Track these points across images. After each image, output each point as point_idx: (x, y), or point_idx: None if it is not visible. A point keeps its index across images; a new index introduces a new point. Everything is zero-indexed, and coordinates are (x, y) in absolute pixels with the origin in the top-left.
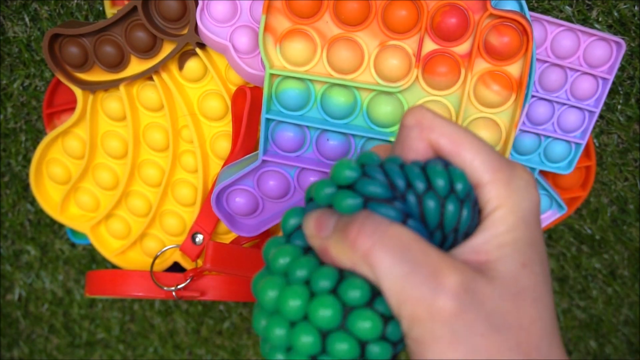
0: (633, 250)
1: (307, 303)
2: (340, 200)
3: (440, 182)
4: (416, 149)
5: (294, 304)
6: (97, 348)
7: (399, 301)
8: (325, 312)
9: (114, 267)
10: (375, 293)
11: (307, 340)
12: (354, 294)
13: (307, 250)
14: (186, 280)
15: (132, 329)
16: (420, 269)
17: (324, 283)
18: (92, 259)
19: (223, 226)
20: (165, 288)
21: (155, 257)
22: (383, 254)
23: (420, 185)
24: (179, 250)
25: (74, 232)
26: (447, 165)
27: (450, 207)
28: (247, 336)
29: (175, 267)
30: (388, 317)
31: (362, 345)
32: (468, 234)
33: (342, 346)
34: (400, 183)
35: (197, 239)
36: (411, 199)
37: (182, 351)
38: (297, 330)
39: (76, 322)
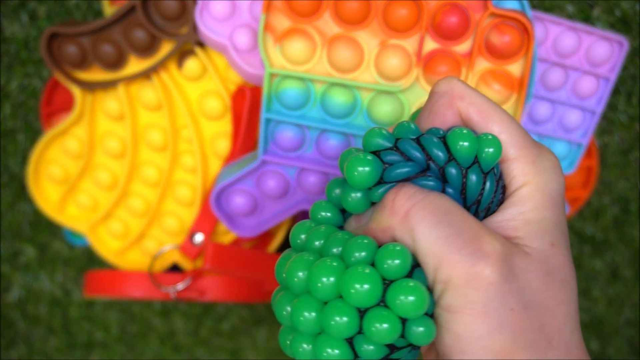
0: (635, 251)
1: (341, 279)
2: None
3: (487, 151)
4: (443, 116)
5: (327, 280)
6: (96, 349)
7: (437, 265)
8: (363, 286)
9: (113, 267)
10: (413, 265)
11: (342, 320)
12: (394, 263)
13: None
14: (185, 280)
15: (131, 329)
16: (461, 233)
17: (359, 254)
18: (91, 259)
19: (222, 226)
20: (164, 288)
21: (155, 258)
22: (423, 214)
23: (463, 157)
24: (179, 251)
25: (72, 234)
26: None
27: (488, 184)
28: (246, 337)
29: (175, 268)
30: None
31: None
32: (492, 209)
33: (383, 325)
34: (440, 155)
35: (196, 239)
36: (452, 171)
37: (181, 352)
38: (330, 310)
39: (75, 322)
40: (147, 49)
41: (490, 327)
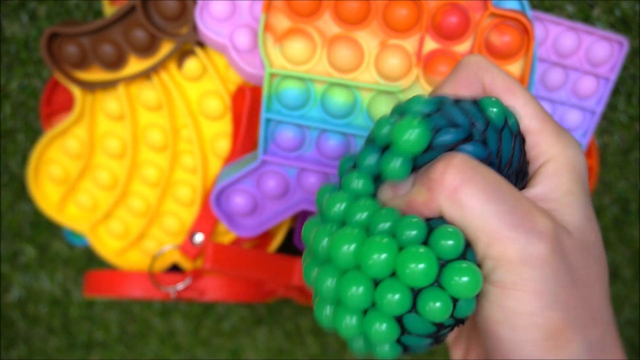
0: (635, 251)
1: (394, 257)
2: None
3: (512, 119)
4: (469, 85)
5: (379, 258)
6: (96, 349)
7: (489, 241)
8: (419, 266)
9: (113, 267)
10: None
11: (394, 298)
12: (448, 244)
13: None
14: (185, 280)
15: (131, 329)
16: (515, 210)
17: (412, 233)
18: (91, 259)
19: (222, 226)
20: (164, 288)
21: (155, 258)
22: (475, 190)
23: (497, 122)
24: (179, 251)
25: (72, 234)
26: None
27: (517, 147)
28: (246, 337)
29: (175, 268)
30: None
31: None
32: (521, 179)
33: (436, 305)
34: (480, 122)
35: (196, 239)
36: (492, 134)
37: (181, 352)
38: (384, 288)
39: (75, 322)
40: (147, 49)
41: (543, 304)
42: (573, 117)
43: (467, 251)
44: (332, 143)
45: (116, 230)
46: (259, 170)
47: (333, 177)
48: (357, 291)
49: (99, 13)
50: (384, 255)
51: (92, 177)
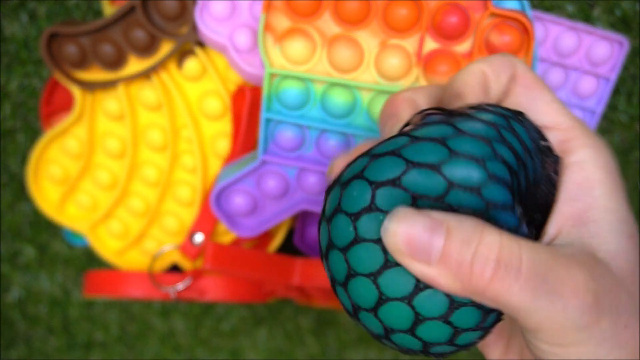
0: None
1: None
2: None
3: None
4: (497, 72)
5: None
6: (95, 349)
7: (533, 325)
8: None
9: (113, 267)
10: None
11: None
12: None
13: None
14: (185, 280)
15: (131, 329)
16: (556, 293)
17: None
18: (91, 259)
19: (222, 226)
20: (164, 288)
21: (154, 258)
22: (521, 294)
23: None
24: (178, 251)
25: (71, 234)
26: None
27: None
28: (246, 337)
29: (175, 268)
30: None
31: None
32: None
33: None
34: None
35: (196, 239)
36: (530, 163)
37: (181, 352)
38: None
39: (75, 322)
40: (147, 49)
41: (609, 348)
42: None
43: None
44: (332, 143)
45: (116, 230)
46: (259, 170)
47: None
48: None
49: (98, 13)
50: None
51: (92, 177)
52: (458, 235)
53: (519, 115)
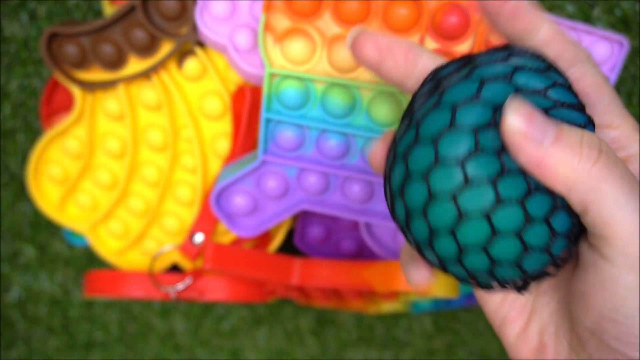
0: None
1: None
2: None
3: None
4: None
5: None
6: (95, 349)
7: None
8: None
9: (113, 267)
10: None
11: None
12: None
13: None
14: (185, 280)
15: (131, 329)
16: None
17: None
18: (91, 259)
19: (222, 226)
20: (164, 288)
21: (155, 258)
22: (615, 182)
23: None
24: (179, 251)
25: (72, 234)
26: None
27: None
28: (246, 337)
29: (175, 268)
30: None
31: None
32: None
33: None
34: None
35: (196, 239)
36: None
37: (181, 352)
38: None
39: (75, 322)
40: (147, 49)
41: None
42: None
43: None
44: (332, 143)
45: (116, 230)
46: (259, 170)
47: (334, 177)
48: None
49: (99, 13)
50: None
51: (92, 177)
52: (566, 125)
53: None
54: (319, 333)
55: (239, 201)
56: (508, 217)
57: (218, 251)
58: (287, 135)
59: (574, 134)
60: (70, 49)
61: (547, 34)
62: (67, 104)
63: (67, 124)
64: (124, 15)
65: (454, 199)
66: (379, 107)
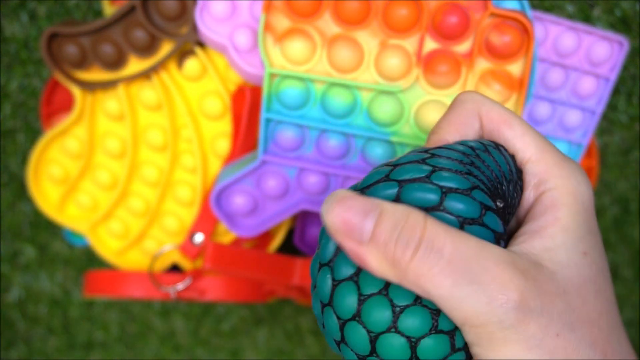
0: (635, 251)
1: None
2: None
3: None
4: (467, 123)
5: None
6: (95, 349)
7: (459, 319)
8: (377, 315)
9: (113, 267)
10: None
11: (357, 339)
12: (403, 300)
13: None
14: (185, 280)
15: (131, 329)
16: (480, 285)
17: (371, 289)
18: (91, 259)
19: (222, 226)
20: (164, 288)
21: (155, 258)
22: (441, 279)
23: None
24: (179, 251)
25: (72, 234)
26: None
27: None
28: (246, 337)
29: (175, 268)
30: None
31: (415, 342)
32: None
33: (393, 344)
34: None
35: (196, 239)
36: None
37: (181, 352)
38: (348, 329)
39: (75, 322)
40: (147, 49)
41: (538, 355)
42: (573, 117)
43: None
44: (332, 143)
45: (116, 230)
46: (259, 170)
47: (334, 177)
48: (333, 324)
49: (99, 13)
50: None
51: (92, 177)
52: (389, 218)
53: (498, 146)
54: (319, 333)
55: (239, 201)
56: (376, 313)
57: (218, 251)
58: (287, 135)
59: (391, 231)
60: (70, 49)
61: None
62: (67, 104)
63: (67, 124)
64: (124, 15)
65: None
66: (379, 107)
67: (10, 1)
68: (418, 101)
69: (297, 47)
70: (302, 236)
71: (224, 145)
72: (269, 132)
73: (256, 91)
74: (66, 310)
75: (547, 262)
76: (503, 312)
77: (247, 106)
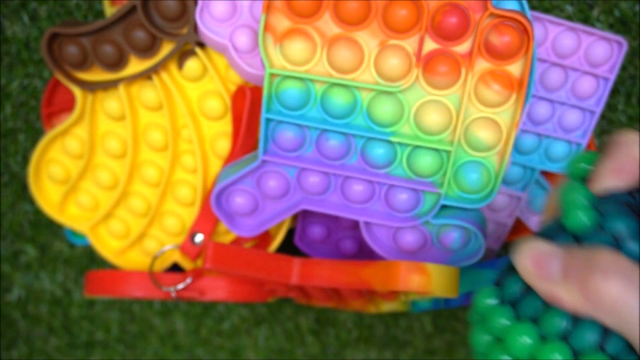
0: None
1: (536, 344)
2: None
3: None
4: (629, 168)
5: (524, 342)
6: (96, 348)
7: None
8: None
9: (114, 267)
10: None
11: None
12: (590, 338)
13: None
14: (185, 280)
15: (132, 329)
16: None
17: (556, 327)
18: (92, 259)
19: (223, 226)
20: (164, 288)
21: (155, 258)
22: (635, 303)
23: None
24: (179, 251)
25: (73, 233)
26: None
27: None
28: (246, 337)
29: (175, 268)
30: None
31: None
32: None
33: None
34: None
35: (196, 239)
36: None
37: (181, 352)
38: None
39: (75, 322)
40: (147, 50)
41: None
42: (572, 117)
43: (609, 339)
44: (332, 143)
45: (117, 230)
46: (259, 170)
47: (334, 177)
48: None
49: (99, 13)
50: (528, 341)
51: (92, 177)
52: (577, 254)
53: None
54: (319, 333)
55: (239, 201)
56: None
57: (218, 251)
58: (287, 135)
59: (582, 264)
60: (71, 50)
61: None
62: (68, 104)
63: (68, 124)
64: (125, 16)
65: None
66: (378, 107)
67: (11, 1)
68: (418, 101)
69: (297, 47)
70: (302, 236)
71: (224, 145)
72: (269, 132)
73: (256, 91)
74: (67, 310)
75: None
76: None
77: (247, 106)
